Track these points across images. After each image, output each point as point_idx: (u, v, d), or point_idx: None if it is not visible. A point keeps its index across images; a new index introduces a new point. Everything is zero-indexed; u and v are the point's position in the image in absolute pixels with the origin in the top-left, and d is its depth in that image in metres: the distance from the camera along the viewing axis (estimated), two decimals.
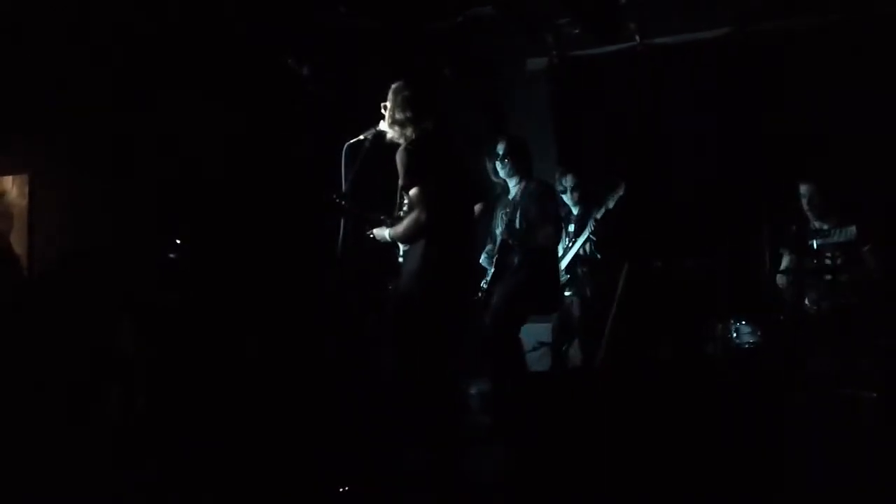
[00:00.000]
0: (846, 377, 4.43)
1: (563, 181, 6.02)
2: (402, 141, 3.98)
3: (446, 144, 4.04)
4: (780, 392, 4.37)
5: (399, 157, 3.87)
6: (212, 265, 5.68)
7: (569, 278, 5.84)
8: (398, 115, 3.99)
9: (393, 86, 4.06)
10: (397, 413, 4.27)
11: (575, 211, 6.02)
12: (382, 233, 4.11)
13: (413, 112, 3.97)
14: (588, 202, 5.97)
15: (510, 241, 5.06)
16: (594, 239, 5.79)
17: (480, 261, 5.10)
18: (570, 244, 5.90)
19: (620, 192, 5.67)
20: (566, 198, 6.01)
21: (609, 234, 5.79)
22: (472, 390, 5.34)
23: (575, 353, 5.97)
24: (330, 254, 4.14)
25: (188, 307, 5.38)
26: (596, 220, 5.76)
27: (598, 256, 5.83)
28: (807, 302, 5.00)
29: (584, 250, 5.87)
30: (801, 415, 4.19)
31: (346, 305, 5.07)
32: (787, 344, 4.87)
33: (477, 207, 4.34)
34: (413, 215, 3.85)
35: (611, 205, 5.68)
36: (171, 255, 5.35)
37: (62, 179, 6.02)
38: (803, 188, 5.16)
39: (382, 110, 4.09)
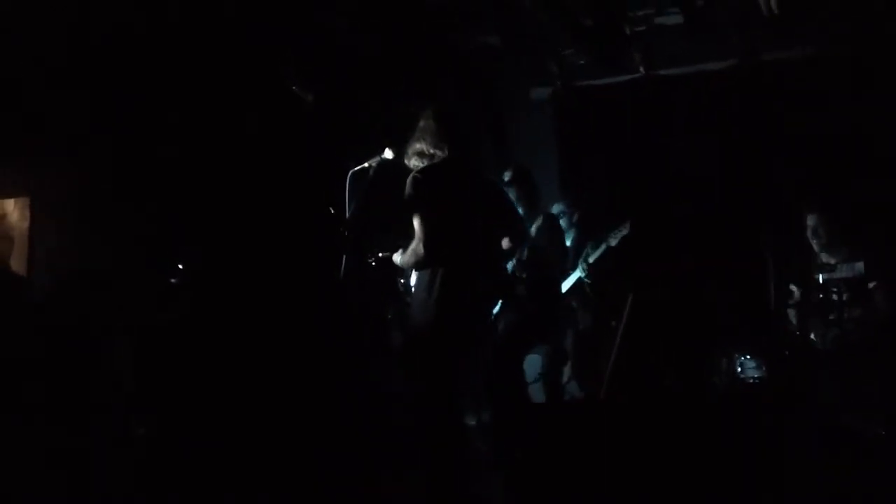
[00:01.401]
0: (853, 413, 4.38)
1: (554, 207, 5.98)
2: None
3: (463, 174, 3.97)
4: (786, 428, 4.32)
5: (406, 185, 3.84)
6: (213, 286, 5.66)
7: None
8: (417, 145, 3.96)
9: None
10: (400, 439, 4.24)
11: (567, 240, 5.96)
12: (395, 258, 4.09)
13: (428, 141, 3.94)
14: (583, 227, 5.92)
15: (516, 273, 5.02)
16: (588, 281, 5.74)
17: None
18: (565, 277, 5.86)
19: (625, 231, 5.63)
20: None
21: (610, 269, 5.75)
22: (472, 421, 5.29)
23: (573, 385, 5.92)
24: (332, 276, 4.12)
25: (189, 329, 5.35)
26: (589, 265, 5.71)
27: (592, 293, 5.79)
28: (812, 337, 4.95)
29: (583, 284, 5.82)
30: (807, 450, 4.15)
31: (348, 329, 5.05)
32: (793, 379, 4.82)
33: (505, 241, 4.22)
34: (412, 245, 3.84)
35: (613, 242, 5.64)
36: (173, 280, 5.32)
37: (63, 202, 6.00)
38: (810, 219, 5.12)
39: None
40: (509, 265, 5.04)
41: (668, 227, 6.42)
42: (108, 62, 5.73)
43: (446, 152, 3.92)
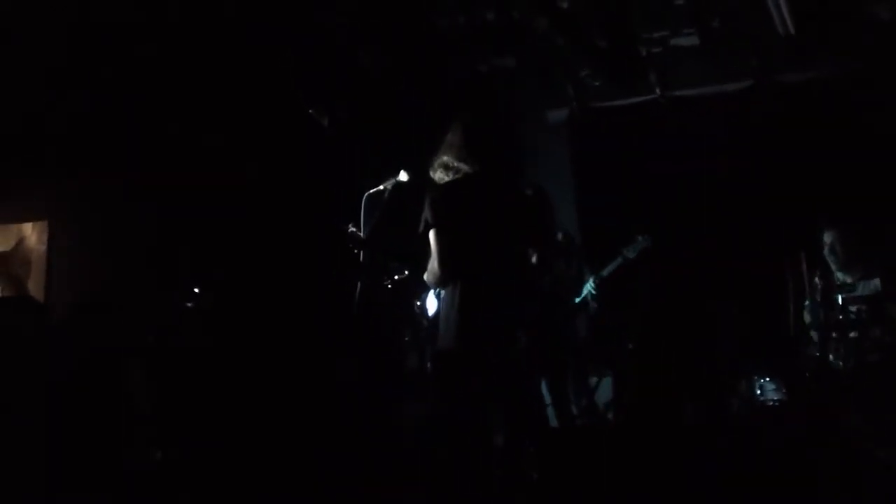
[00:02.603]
0: (876, 436, 4.31)
1: None
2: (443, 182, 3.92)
3: (485, 189, 3.92)
4: (808, 451, 4.27)
5: (424, 203, 3.81)
6: (230, 312, 5.66)
7: None
8: (443, 157, 3.91)
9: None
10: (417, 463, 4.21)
11: None
12: (425, 277, 4.07)
13: (453, 154, 3.88)
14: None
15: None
16: (595, 293, 5.71)
17: None
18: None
19: (647, 243, 5.60)
20: None
21: (622, 285, 5.72)
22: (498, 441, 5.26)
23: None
24: (349, 299, 4.12)
25: (205, 355, 5.35)
26: (602, 279, 5.68)
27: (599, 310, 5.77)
28: (832, 357, 4.89)
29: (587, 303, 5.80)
30: (829, 475, 4.09)
31: (363, 352, 5.04)
32: (813, 401, 4.76)
33: (534, 257, 4.19)
34: (430, 263, 3.81)
35: (631, 255, 5.62)
36: (189, 304, 5.33)
37: (81, 226, 6.03)
38: (826, 236, 5.08)
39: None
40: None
41: (685, 247, 6.39)
42: (123, 83, 5.78)
43: (470, 167, 3.88)
